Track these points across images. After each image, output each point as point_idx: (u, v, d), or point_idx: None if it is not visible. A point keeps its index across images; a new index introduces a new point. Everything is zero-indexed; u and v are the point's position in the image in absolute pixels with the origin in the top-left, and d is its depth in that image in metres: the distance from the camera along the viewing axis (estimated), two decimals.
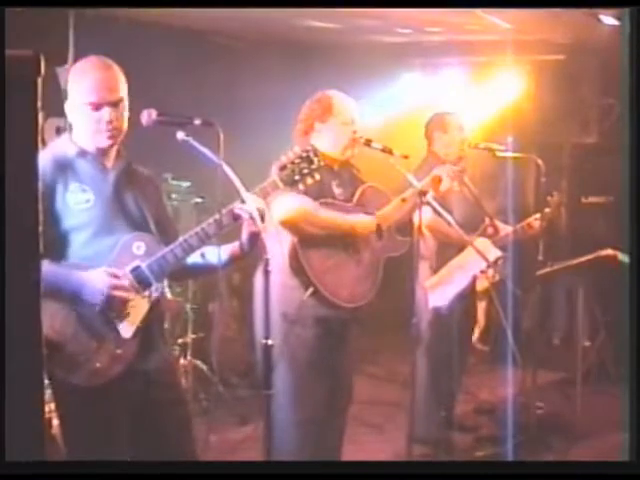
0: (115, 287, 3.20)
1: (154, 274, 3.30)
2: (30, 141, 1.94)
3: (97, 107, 3.30)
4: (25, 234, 1.94)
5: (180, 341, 6.03)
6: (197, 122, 3.44)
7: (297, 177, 3.49)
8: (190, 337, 6.19)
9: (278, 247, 4.12)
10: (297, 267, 4.25)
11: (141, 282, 3.28)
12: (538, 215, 5.67)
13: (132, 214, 3.40)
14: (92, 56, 3.37)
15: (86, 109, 3.29)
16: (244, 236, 3.39)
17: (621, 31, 4.40)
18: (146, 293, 3.30)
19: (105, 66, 3.35)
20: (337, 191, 4.45)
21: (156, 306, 3.36)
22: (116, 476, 2.50)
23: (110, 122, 3.31)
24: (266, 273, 3.52)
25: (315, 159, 3.50)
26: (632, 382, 2.77)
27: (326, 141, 4.41)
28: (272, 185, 3.49)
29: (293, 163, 3.47)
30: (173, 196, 6.16)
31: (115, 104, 3.34)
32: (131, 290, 3.27)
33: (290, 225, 4.21)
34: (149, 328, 3.35)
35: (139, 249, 3.30)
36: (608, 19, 5.18)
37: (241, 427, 5.96)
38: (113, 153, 3.41)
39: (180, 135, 3.44)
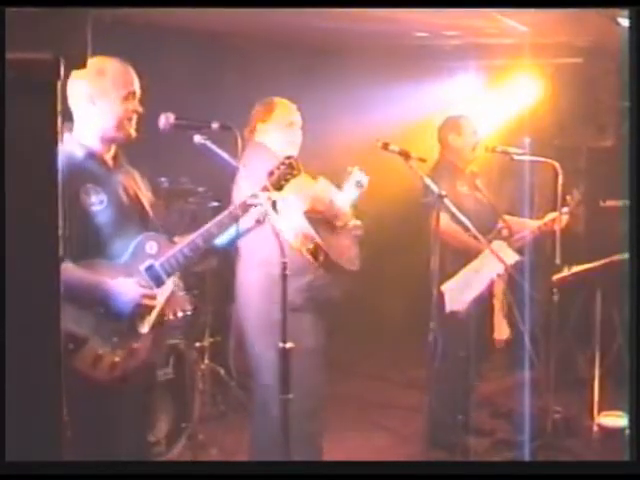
0: (145, 296, 3.39)
1: (166, 272, 3.48)
2: (50, 145, 1.95)
3: (126, 98, 3.44)
4: (45, 236, 1.96)
5: (198, 345, 6.03)
6: (215, 126, 3.50)
7: (282, 182, 3.74)
8: (208, 341, 6.19)
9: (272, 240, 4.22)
10: (307, 243, 4.44)
11: (155, 280, 3.46)
12: (556, 214, 5.65)
13: (139, 212, 3.56)
14: (101, 56, 3.41)
15: (116, 101, 3.41)
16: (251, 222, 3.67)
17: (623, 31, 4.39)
18: (159, 290, 3.47)
19: (121, 61, 3.48)
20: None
21: (168, 302, 3.54)
22: (116, 477, 2.50)
23: (136, 112, 3.47)
24: (284, 277, 3.55)
25: (295, 164, 3.76)
26: (632, 382, 2.76)
27: (271, 140, 4.65)
28: (264, 189, 3.69)
29: (279, 169, 3.72)
30: (190, 200, 6.17)
31: (137, 96, 3.50)
32: (156, 297, 3.45)
33: (315, 211, 4.49)
34: (161, 323, 3.53)
35: (152, 248, 3.48)
36: (626, 21, 5.15)
37: None
38: (112, 154, 3.53)
39: (197, 139, 3.52)
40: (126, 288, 3.35)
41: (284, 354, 3.57)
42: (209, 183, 6.19)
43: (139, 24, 5.72)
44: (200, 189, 6.27)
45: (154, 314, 3.46)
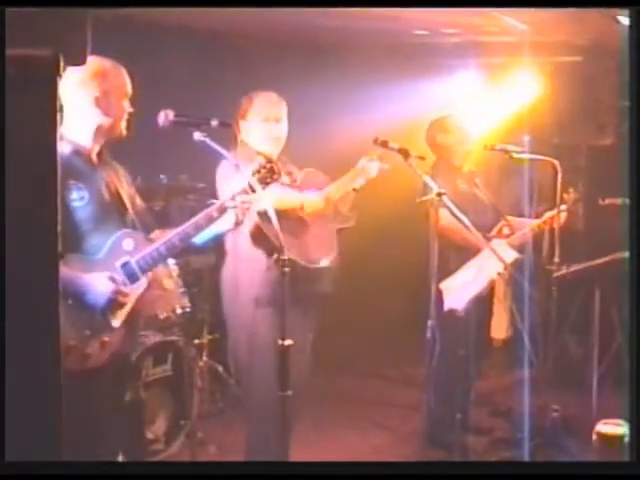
0: (117, 292, 3.45)
1: (141, 269, 3.54)
2: (49, 140, 1.95)
3: (119, 98, 3.53)
4: (45, 232, 1.96)
5: (196, 342, 6.03)
6: (214, 123, 3.53)
7: (263, 186, 3.74)
8: (206, 338, 6.20)
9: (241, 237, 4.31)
10: (261, 239, 4.37)
11: (129, 276, 3.52)
12: (554, 212, 5.63)
13: (118, 208, 3.62)
14: (95, 57, 3.43)
15: (109, 101, 3.50)
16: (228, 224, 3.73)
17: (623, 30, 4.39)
18: (134, 286, 3.54)
19: (114, 62, 3.56)
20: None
21: (142, 298, 3.60)
22: (115, 477, 2.51)
23: (128, 112, 3.57)
24: (282, 274, 3.57)
25: (276, 168, 3.78)
26: (632, 383, 2.77)
27: (251, 136, 4.58)
28: (244, 192, 3.71)
29: (259, 172, 3.73)
30: (190, 197, 6.17)
31: (129, 96, 3.58)
32: (129, 293, 3.51)
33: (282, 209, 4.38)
34: (134, 318, 3.61)
35: (128, 245, 3.55)
36: (626, 20, 5.15)
37: None
38: (97, 150, 3.58)
39: (197, 136, 3.54)
40: (99, 282, 3.41)
41: (282, 351, 3.58)
42: (208, 180, 6.18)
43: (139, 23, 5.72)
44: (199, 186, 6.28)
45: (127, 308, 3.52)
